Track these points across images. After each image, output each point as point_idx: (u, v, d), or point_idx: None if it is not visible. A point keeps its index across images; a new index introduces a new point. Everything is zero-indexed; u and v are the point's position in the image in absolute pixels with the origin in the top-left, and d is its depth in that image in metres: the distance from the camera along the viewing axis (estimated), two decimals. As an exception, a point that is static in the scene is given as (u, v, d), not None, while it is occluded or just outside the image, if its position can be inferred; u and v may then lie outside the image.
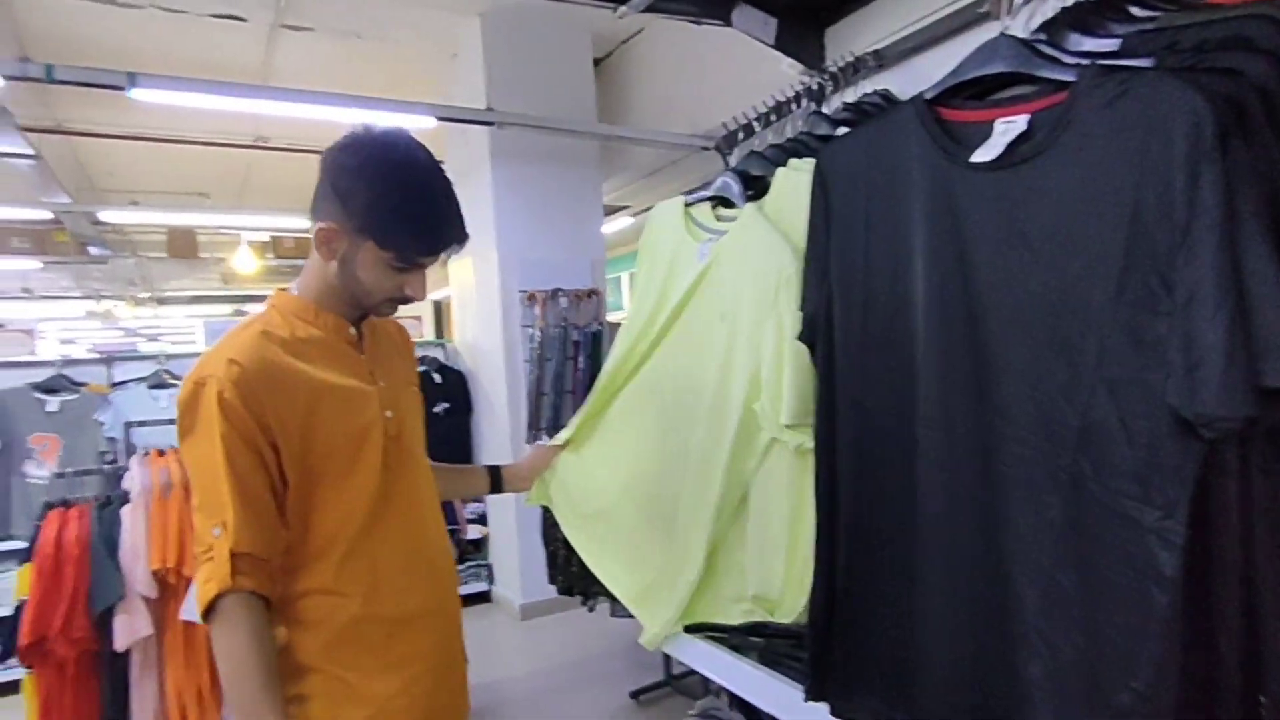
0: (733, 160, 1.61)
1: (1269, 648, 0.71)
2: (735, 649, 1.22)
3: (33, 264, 6.99)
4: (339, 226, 1.08)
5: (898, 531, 0.88)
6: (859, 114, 1.44)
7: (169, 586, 2.32)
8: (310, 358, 1.12)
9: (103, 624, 2.26)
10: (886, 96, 1.48)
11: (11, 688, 2.64)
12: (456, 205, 1.13)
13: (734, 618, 1.26)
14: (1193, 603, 0.73)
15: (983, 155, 0.83)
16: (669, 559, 1.34)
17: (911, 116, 0.92)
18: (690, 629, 1.31)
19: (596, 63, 4.67)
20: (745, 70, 1.77)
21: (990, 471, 0.79)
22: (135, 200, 6.95)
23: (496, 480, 1.51)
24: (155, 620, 2.33)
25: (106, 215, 6.13)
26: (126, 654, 2.34)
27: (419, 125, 3.48)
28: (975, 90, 0.90)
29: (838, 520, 0.98)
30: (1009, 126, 0.82)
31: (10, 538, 3.67)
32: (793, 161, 1.30)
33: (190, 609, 2.18)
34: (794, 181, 1.23)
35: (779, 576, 1.17)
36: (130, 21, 4.08)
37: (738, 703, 1.42)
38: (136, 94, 3.16)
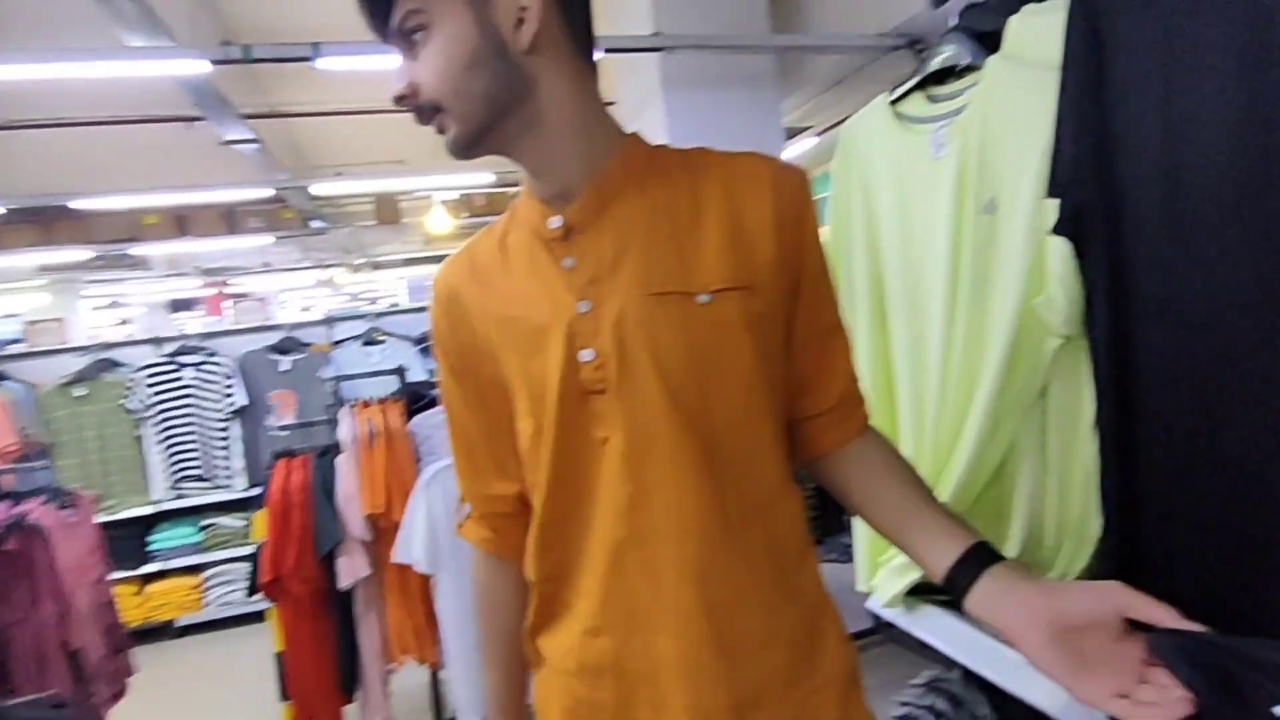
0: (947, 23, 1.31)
1: None
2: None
3: (267, 240, 7.77)
4: None
5: (1265, 486, 0.61)
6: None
7: (381, 530, 2.44)
8: (503, 275, 0.81)
9: (328, 564, 2.43)
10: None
11: (260, 616, 2.94)
12: None
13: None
14: None
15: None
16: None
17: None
18: (917, 591, 1.11)
19: (768, -29, 4.30)
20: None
21: None
22: (339, 172, 7.50)
23: (969, 569, 0.71)
24: (372, 561, 2.47)
25: (316, 188, 6.65)
26: (351, 591, 2.51)
27: (587, 60, 3.36)
28: None
29: (1138, 471, 0.73)
30: None
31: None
32: (1028, 7, 1.00)
33: (401, 551, 2.28)
34: (1037, 26, 0.94)
35: (1051, 526, 0.95)
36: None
37: (975, 680, 1.21)
38: (322, 64, 3.28)
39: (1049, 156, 0.81)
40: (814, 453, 0.85)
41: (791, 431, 0.84)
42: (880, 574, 1.19)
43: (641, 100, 4.14)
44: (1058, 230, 0.77)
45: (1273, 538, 0.62)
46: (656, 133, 4.01)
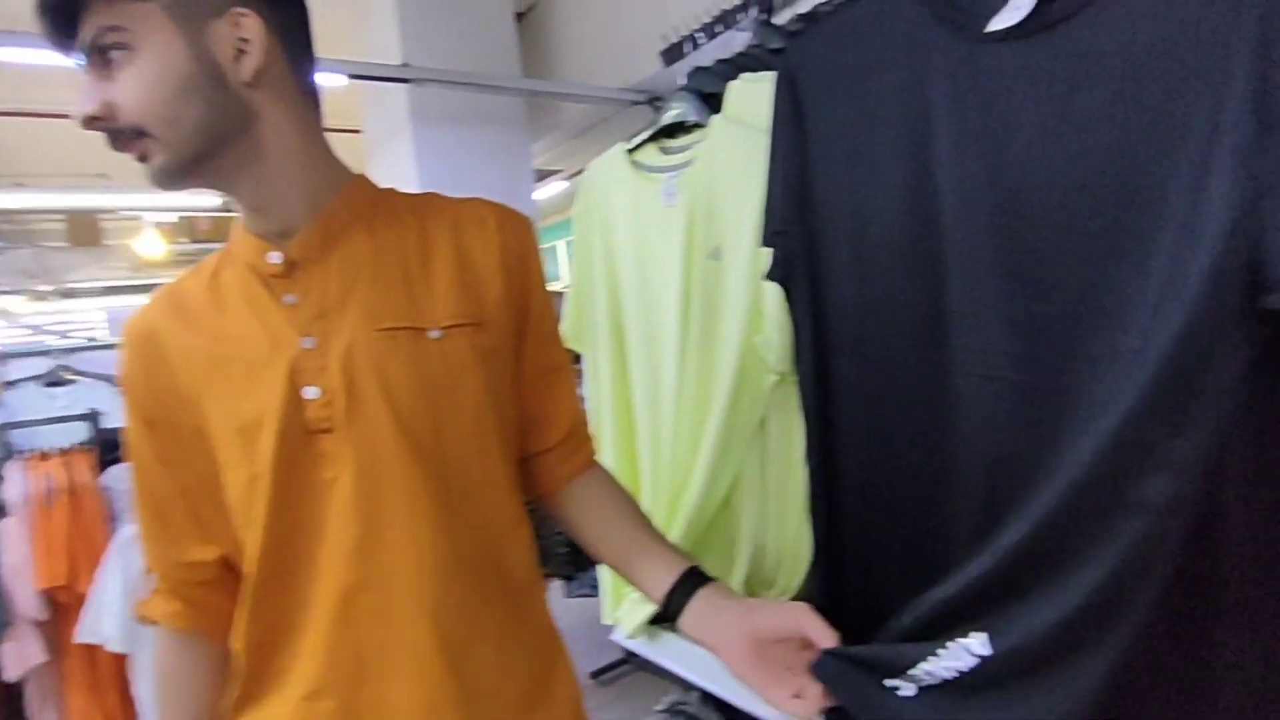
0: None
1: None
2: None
3: (-88, 259, 6.40)
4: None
5: (924, 497, 0.72)
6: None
7: (61, 606, 2.06)
8: (215, 314, 0.75)
9: (-13, 654, 2.00)
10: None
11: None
12: None
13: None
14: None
15: (1002, 21, 0.65)
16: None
17: (902, -12, 0.74)
18: (659, 620, 1.15)
19: (519, 17, 4.40)
20: (680, 9, 1.62)
21: (1041, 417, 0.62)
22: (20, 183, 6.41)
23: (682, 592, 0.78)
24: (50, 645, 2.07)
25: (-14, 200, 5.62)
26: (21, 684, 2.08)
27: (330, 84, 3.18)
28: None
29: (839, 491, 0.82)
30: (1033, -17, 0.65)
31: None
32: (744, 76, 1.12)
33: (88, 629, 1.94)
34: (751, 92, 1.04)
35: (772, 545, 1.03)
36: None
37: (712, 700, 1.27)
38: (-5, 53, 2.81)
39: (763, 209, 0.90)
40: (543, 488, 0.88)
41: (521, 467, 0.85)
42: (624, 606, 1.22)
43: (389, 132, 4.00)
44: (770, 276, 0.86)
45: (935, 550, 0.73)
46: (404, 165, 3.89)
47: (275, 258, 0.73)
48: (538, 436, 0.85)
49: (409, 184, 4.18)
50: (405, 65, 3.55)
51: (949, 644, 0.63)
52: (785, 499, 1.08)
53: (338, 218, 0.75)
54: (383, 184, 0.81)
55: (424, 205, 0.81)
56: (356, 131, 3.70)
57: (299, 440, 0.70)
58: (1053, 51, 0.62)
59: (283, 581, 0.72)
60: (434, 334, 0.73)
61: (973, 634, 0.63)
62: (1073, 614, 0.57)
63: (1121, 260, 0.57)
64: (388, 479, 0.71)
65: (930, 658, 0.64)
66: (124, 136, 0.68)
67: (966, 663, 0.63)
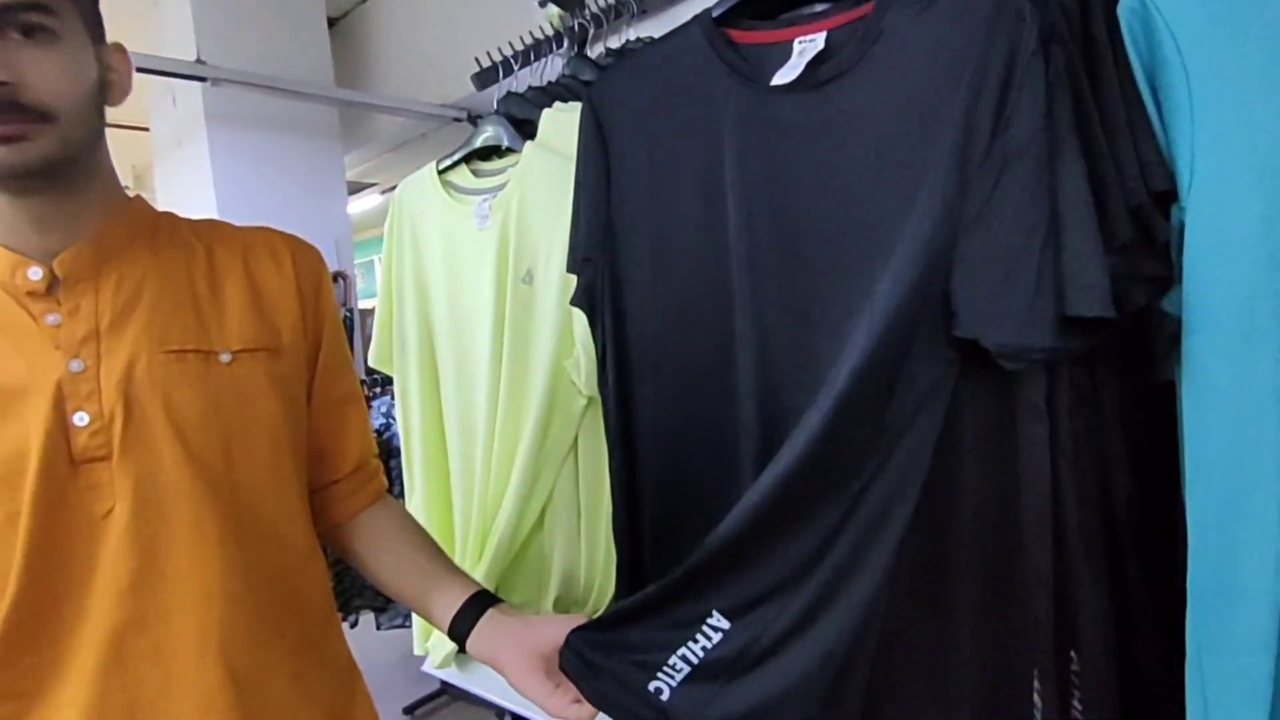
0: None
1: (1083, 602, 0.68)
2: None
3: None
4: None
5: (715, 516, 0.76)
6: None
7: None
8: None
9: None
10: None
11: None
12: None
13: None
14: (1001, 555, 0.70)
15: (783, 77, 0.72)
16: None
17: (698, 38, 0.80)
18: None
19: (332, 23, 4.21)
20: (499, 30, 1.65)
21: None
22: None
23: (468, 615, 0.78)
24: None
25: None
26: None
27: (107, 77, 2.88)
28: (768, 8, 0.80)
29: (640, 510, 0.86)
30: (807, 45, 0.72)
31: None
32: (558, 104, 1.15)
33: None
34: (564, 121, 1.08)
35: (584, 566, 1.05)
36: None
37: (525, 723, 1.27)
38: None
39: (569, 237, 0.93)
40: (330, 520, 0.86)
41: (309, 499, 0.83)
42: (434, 636, 1.19)
43: (180, 132, 3.67)
44: (574, 301, 0.89)
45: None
46: (199, 169, 3.58)
47: (36, 274, 0.68)
48: (326, 468, 0.84)
49: (204, 189, 3.84)
50: (200, 62, 3.28)
51: (698, 634, 0.69)
52: (596, 520, 1.11)
53: (114, 236, 0.72)
54: (174, 187, 0.79)
55: (209, 231, 0.80)
56: (144, 130, 3.38)
57: (64, 471, 0.65)
58: (823, 108, 0.69)
59: (42, 629, 0.65)
60: (224, 357, 0.72)
61: (714, 613, 0.69)
62: (789, 585, 0.65)
63: (872, 299, 0.65)
64: (171, 509, 0.67)
65: (683, 647, 0.69)
66: (18, 110, 0.62)
67: (712, 639, 0.69)
